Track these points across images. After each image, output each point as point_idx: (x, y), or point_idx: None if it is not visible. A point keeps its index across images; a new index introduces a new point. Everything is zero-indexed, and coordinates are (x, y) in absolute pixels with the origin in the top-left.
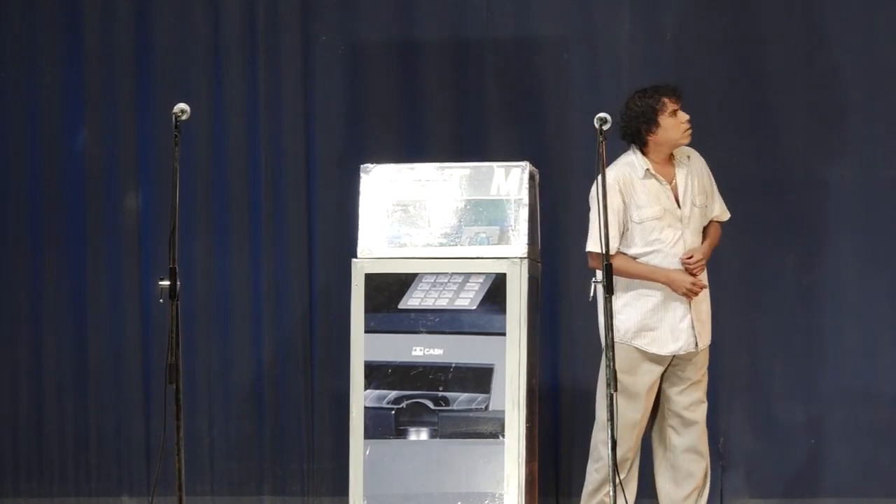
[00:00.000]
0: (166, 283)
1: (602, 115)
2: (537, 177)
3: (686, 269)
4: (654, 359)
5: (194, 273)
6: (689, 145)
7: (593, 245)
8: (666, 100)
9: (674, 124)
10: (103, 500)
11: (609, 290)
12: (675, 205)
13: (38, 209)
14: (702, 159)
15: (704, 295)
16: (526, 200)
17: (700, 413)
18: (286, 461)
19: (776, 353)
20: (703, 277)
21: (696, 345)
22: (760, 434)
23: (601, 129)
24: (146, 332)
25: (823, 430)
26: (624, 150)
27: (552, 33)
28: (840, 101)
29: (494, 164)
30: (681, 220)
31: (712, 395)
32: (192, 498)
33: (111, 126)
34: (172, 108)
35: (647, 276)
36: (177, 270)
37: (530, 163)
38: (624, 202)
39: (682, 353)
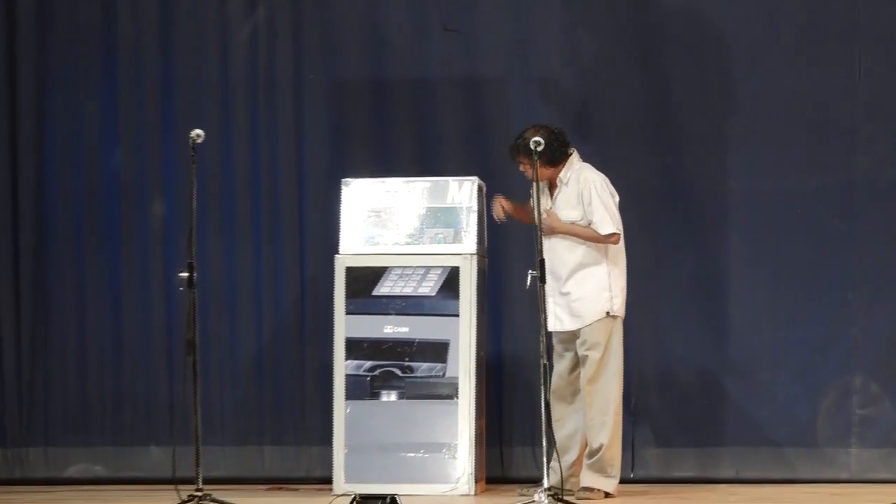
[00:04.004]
0: (185, 274)
1: (537, 138)
2: (484, 189)
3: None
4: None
5: (208, 266)
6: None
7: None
8: None
9: None
10: (135, 450)
11: (542, 279)
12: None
13: (83, 215)
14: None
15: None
16: (475, 208)
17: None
18: (282, 418)
19: (677, 331)
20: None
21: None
22: (665, 395)
23: (536, 151)
24: (170, 314)
25: (715, 393)
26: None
27: (494, 74)
28: (729, 124)
29: (450, 179)
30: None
31: (627, 363)
32: (206, 447)
33: (141, 146)
34: (190, 132)
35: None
36: (194, 264)
37: (479, 177)
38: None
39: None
